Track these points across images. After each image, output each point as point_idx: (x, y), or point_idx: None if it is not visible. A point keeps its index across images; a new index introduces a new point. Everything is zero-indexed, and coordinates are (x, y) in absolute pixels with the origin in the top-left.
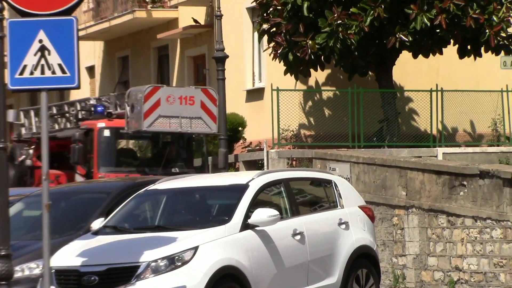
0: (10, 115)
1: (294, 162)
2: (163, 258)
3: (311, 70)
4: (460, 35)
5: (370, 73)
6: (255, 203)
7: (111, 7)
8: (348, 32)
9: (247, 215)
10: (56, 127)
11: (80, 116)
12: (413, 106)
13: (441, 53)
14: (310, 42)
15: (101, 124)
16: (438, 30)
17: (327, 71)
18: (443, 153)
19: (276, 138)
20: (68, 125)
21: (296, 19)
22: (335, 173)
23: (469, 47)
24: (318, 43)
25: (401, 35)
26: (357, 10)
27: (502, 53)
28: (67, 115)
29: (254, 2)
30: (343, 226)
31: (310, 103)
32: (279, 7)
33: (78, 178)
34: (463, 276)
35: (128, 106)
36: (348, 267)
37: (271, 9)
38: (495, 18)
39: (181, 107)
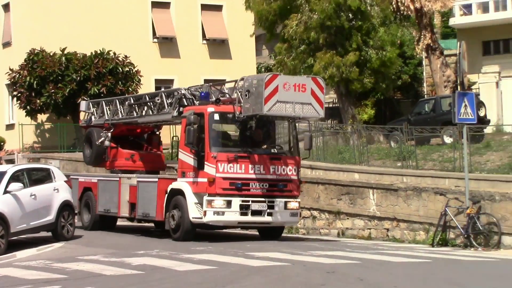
0: (83, 105)
1: (31, 160)
2: None
3: (38, 115)
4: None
5: (68, 117)
6: (11, 180)
7: None
8: (57, 96)
9: (7, 186)
10: (134, 114)
11: (165, 104)
12: None
13: None
14: (38, 100)
15: (210, 108)
16: (103, 94)
17: (47, 115)
18: None
19: (20, 149)
20: (150, 112)
21: (30, 90)
22: (52, 165)
23: None
24: (42, 101)
25: (83, 98)
26: (62, 85)
27: None
28: (149, 103)
29: (9, 81)
30: (56, 191)
31: (41, 131)
32: (23, 85)
33: (185, 158)
34: None
35: (240, 92)
36: (59, 211)
37: (18, 84)
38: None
39: (295, 94)
